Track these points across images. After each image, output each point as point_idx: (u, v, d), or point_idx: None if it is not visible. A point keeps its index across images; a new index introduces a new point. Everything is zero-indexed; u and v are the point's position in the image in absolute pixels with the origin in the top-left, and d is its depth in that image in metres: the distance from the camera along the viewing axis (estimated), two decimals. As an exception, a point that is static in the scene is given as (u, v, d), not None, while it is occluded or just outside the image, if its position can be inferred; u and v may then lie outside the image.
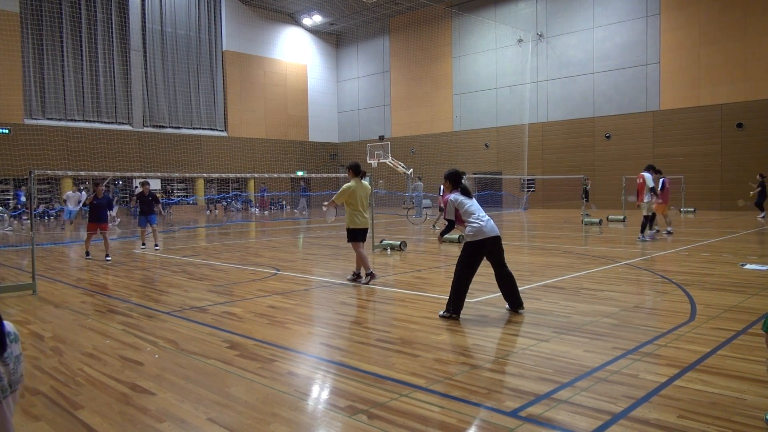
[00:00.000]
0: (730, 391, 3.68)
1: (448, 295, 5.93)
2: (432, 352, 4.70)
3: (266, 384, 4.00)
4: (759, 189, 20.60)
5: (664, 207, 14.16)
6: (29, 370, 4.43)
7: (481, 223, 5.84)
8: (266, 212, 32.22)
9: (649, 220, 13.10)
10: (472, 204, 6.01)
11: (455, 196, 5.99)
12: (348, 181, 8.16)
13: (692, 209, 22.96)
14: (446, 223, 6.08)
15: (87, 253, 12.06)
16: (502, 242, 6.07)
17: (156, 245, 13.63)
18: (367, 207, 8.23)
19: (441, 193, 17.39)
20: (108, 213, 12.52)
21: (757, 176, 21.17)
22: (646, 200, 12.92)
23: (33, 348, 5.09)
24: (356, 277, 8.29)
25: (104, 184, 13.13)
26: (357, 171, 8.04)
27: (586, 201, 22.02)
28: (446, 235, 6.37)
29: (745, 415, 3.31)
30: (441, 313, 5.93)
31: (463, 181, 6.22)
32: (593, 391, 3.71)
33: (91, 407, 3.63)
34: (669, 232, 14.13)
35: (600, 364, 4.26)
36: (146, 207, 13.36)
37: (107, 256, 11.65)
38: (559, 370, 4.16)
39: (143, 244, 13.64)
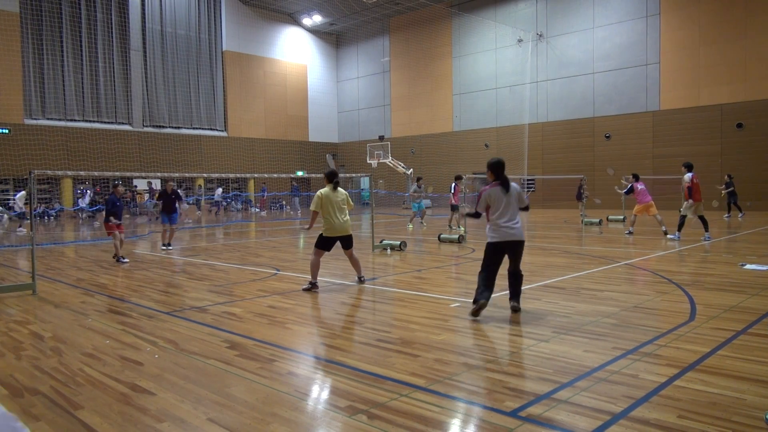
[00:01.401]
0: (730, 391, 3.68)
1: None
2: (432, 352, 4.70)
3: (266, 384, 4.00)
4: (731, 189, 20.60)
5: (647, 206, 14.41)
6: (29, 370, 4.43)
7: (502, 228, 5.92)
8: (263, 212, 31.84)
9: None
10: (504, 206, 5.95)
11: (491, 191, 5.99)
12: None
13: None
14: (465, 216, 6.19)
15: (123, 258, 11.39)
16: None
17: (169, 244, 13.39)
18: (345, 211, 7.97)
19: (453, 191, 17.48)
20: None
21: (726, 177, 21.18)
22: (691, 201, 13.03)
23: (33, 348, 5.09)
24: (360, 281, 8.18)
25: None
26: (330, 178, 7.92)
27: (581, 200, 22.29)
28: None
29: (745, 415, 3.31)
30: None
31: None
32: (593, 391, 3.71)
33: (91, 407, 3.63)
34: (665, 232, 14.08)
35: (600, 364, 4.26)
36: (170, 205, 13.25)
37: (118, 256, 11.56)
38: (559, 370, 4.16)
39: (166, 243, 13.44)
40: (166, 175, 11.92)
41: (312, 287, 7.75)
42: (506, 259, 6.10)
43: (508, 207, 5.95)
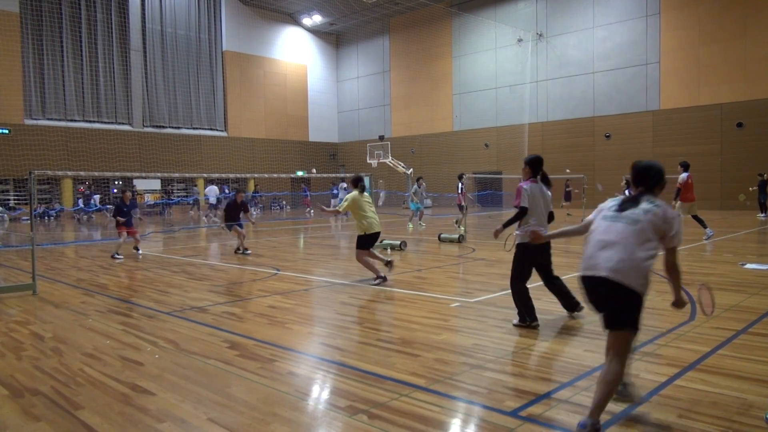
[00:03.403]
0: (730, 390, 3.68)
1: (516, 305, 5.53)
2: (432, 352, 4.70)
3: (266, 384, 4.00)
4: (756, 188, 20.69)
5: None
6: (30, 371, 4.43)
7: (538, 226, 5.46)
8: (311, 211, 29.82)
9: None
10: (538, 204, 5.56)
11: (532, 187, 5.51)
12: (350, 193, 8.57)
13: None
14: (516, 211, 5.54)
15: (118, 254, 12.01)
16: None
17: (239, 249, 12.59)
18: (374, 209, 8.51)
19: (460, 192, 17.43)
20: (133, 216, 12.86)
21: (758, 176, 21.22)
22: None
23: (33, 348, 5.09)
24: (380, 276, 8.28)
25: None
26: (356, 183, 8.43)
27: (568, 202, 23.49)
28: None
29: (746, 414, 3.31)
30: (515, 322, 5.49)
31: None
32: (593, 391, 3.71)
33: (92, 407, 3.64)
34: None
35: (600, 364, 4.24)
36: (234, 215, 12.67)
37: (137, 248, 12.71)
38: (559, 370, 4.16)
39: (240, 249, 12.71)
40: (165, 175, 11.91)
41: (383, 280, 8.03)
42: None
43: (543, 208, 5.59)
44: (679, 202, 12.84)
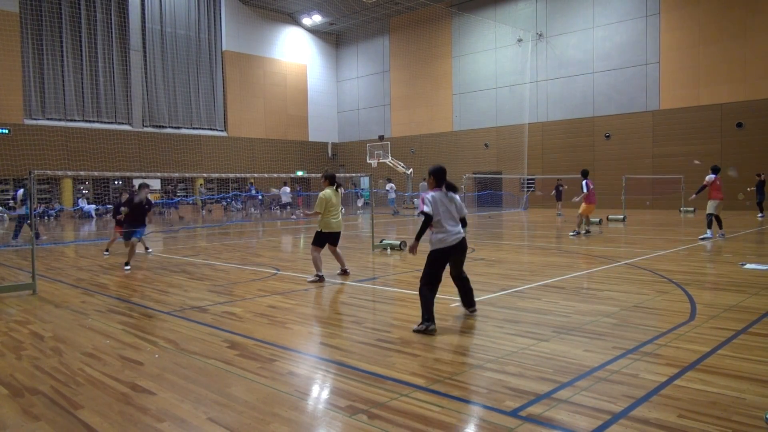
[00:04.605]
0: (730, 390, 3.68)
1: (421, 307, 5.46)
2: (432, 352, 4.70)
3: (266, 384, 4.00)
4: (754, 188, 20.80)
5: (593, 208, 14.73)
6: (29, 370, 4.43)
7: (448, 232, 5.51)
8: (300, 211, 30.97)
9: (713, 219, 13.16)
10: (447, 210, 5.57)
11: (436, 195, 5.55)
12: (323, 190, 8.69)
13: (692, 209, 22.96)
14: (423, 217, 5.54)
15: (107, 250, 12.81)
16: (466, 250, 5.81)
17: (127, 264, 10.30)
18: (339, 210, 8.82)
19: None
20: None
21: (756, 176, 21.25)
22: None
23: (33, 348, 5.09)
24: (344, 273, 8.92)
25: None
26: (332, 181, 8.63)
27: (560, 200, 23.91)
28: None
29: (745, 414, 3.31)
30: (415, 327, 5.40)
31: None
32: (593, 391, 3.71)
33: (91, 407, 3.64)
34: (588, 232, 14.91)
35: (600, 364, 4.26)
36: (137, 216, 10.43)
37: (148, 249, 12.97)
38: (559, 369, 4.16)
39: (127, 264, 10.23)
40: (165, 175, 11.95)
41: (320, 279, 8.40)
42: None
43: (454, 213, 5.60)
44: (709, 201, 13.01)
